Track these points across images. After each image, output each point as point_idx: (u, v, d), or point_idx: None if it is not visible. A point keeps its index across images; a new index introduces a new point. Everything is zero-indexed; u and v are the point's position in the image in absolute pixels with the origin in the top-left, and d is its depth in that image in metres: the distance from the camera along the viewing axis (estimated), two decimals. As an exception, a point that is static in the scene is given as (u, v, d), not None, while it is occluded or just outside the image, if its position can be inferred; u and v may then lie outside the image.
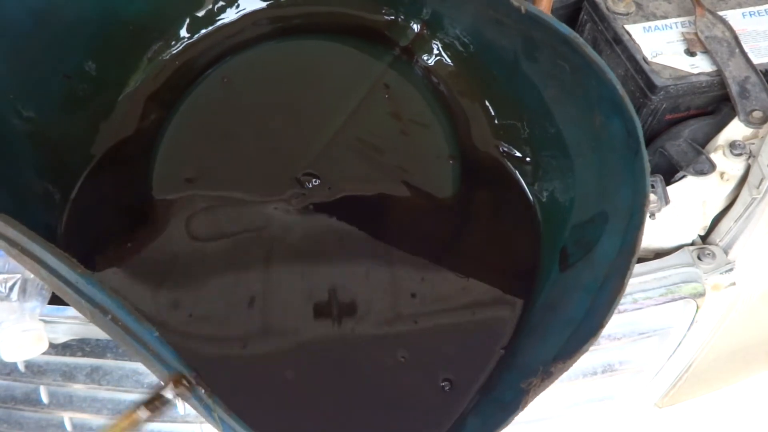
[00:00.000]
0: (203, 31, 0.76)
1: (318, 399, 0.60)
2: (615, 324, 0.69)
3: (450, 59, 0.75)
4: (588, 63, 0.60)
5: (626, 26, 0.77)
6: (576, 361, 0.51)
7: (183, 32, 0.75)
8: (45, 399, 0.67)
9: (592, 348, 0.69)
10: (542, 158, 0.70)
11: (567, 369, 0.51)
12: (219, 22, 0.76)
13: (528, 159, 0.71)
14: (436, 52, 0.75)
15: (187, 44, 0.75)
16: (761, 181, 0.67)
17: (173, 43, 0.75)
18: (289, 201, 0.68)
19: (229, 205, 0.68)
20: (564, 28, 0.60)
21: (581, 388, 0.74)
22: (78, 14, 0.67)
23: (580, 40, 0.60)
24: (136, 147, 0.70)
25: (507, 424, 0.51)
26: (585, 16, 0.81)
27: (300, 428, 0.58)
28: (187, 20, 0.75)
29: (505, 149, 0.71)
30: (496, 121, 0.73)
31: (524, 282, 0.65)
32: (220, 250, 0.66)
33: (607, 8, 0.78)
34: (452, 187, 0.71)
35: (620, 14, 0.77)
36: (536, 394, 0.51)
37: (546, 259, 0.66)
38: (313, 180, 0.69)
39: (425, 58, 0.76)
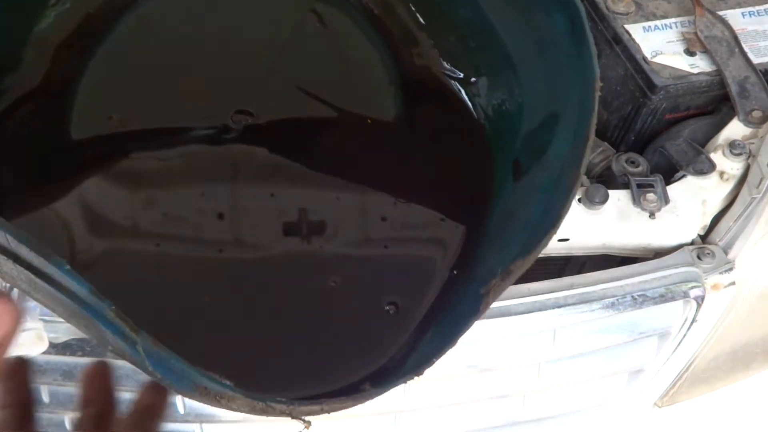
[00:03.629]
0: None
1: (247, 328, 0.58)
2: (615, 324, 0.69)
3: None
4: None
5: (626, 26, 0.77)
6: (536, 257, 0.48)
7: None
8: (45, 398, 0.67)
9: (591, 348, 0.70)
10: (486, 72, 0.67)
11: (527, 266, 0.48)
12: None
13: (472, 77, 0.68)
14: None
15: None
16: (761, 180, 0.67)
17: None
18: (222, 134, 0.66)
19: (159, 137, 0.65)
20: None
21: (581, 387, 0.74)
22: None
23: None
24: (48, 95, 0.66)
25: (466, 330, 0.48)
26: (585, 16, 0.81)
27: (234, 355, 0.55)
28: None
29: (447, 69, 0.69)
30: (434, 41, 0.70)
31: (475, 200, 0.63)
32: (161, 173, 0.64)
33: (607, 8, 0.78)
34: (394, 112, 0.69)
35: (620, 14, 0.77)
36: (497, 295, 0.48)
37: (499, 174, 0.63)
38: (248, 118, 0.66)
39: None
